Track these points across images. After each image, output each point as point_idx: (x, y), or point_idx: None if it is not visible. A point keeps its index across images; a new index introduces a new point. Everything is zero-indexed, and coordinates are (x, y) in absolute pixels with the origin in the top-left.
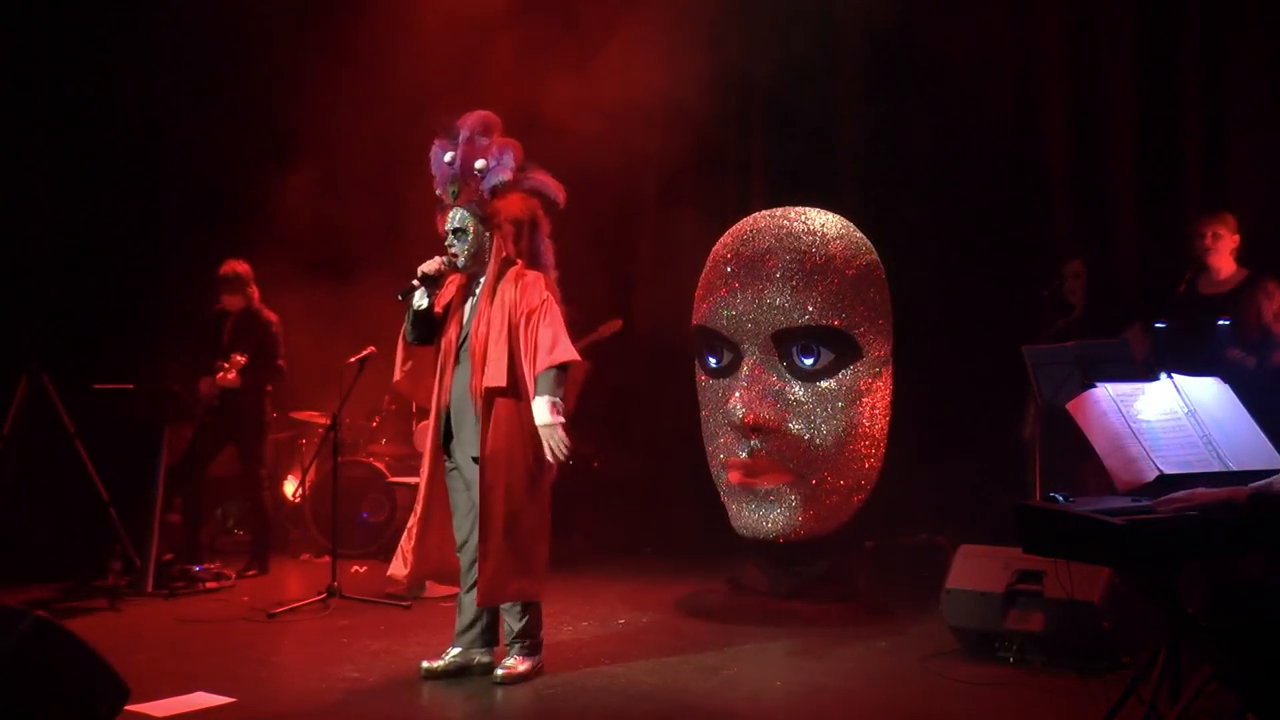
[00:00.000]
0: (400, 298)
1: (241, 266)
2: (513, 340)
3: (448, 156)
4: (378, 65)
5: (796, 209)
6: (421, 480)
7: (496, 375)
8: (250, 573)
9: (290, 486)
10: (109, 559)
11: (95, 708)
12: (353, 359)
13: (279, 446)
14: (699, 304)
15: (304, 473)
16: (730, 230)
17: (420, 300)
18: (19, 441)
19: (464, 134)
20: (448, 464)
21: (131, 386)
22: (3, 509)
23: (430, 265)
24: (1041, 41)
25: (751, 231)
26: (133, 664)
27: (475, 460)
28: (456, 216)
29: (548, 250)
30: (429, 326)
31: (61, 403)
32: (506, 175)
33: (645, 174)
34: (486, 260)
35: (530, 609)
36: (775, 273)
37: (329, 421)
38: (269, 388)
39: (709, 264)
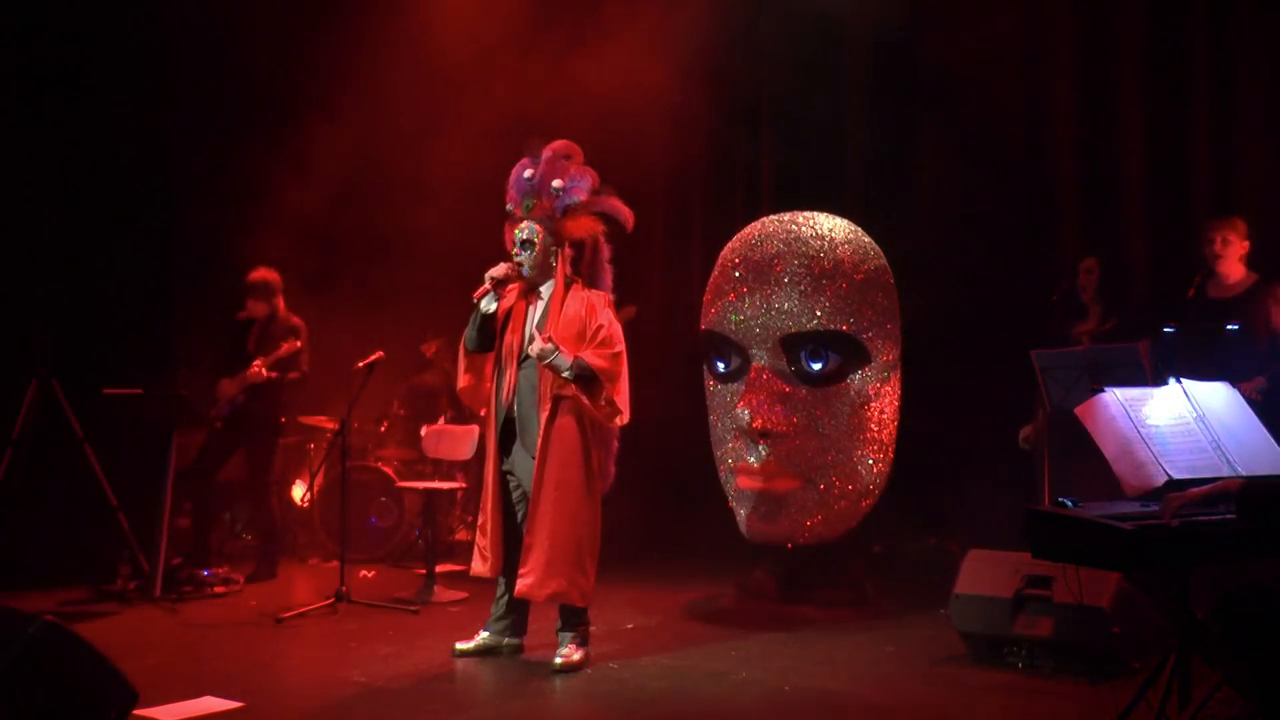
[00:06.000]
0: (475, 302)
1: (271, 274)
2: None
3: (527, 173)
4: (391, 75)
5: (805, 214)
6: (487, 480)
7: (565, 382)
8: (258, 578)
9: (298, 491)
10: (118, 563)
11: (104, 712)
12: (361, 364)
13: (287, 451)
14: (707, 309)
15: (312, 477)
16: (738, 235)
17: (488, 305)
18: (28, 446)
19: (546, 154)
20: (503, 465)
21: (140, 391)
22: (12, 513)
23: (498, 271)
24: (1050, 46)
25: (760, 236)
26: (141, 668)
27: (533, 457)
28: (527, 229)
29: (606, 273)
30: (490, 333)
31: (71, 407)
32: (581, 197)
33: (653, 179)
34: (550, 273)
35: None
36: (783, 277)
37: (337, 426)
38: (284, 397)
39: (717, 269)
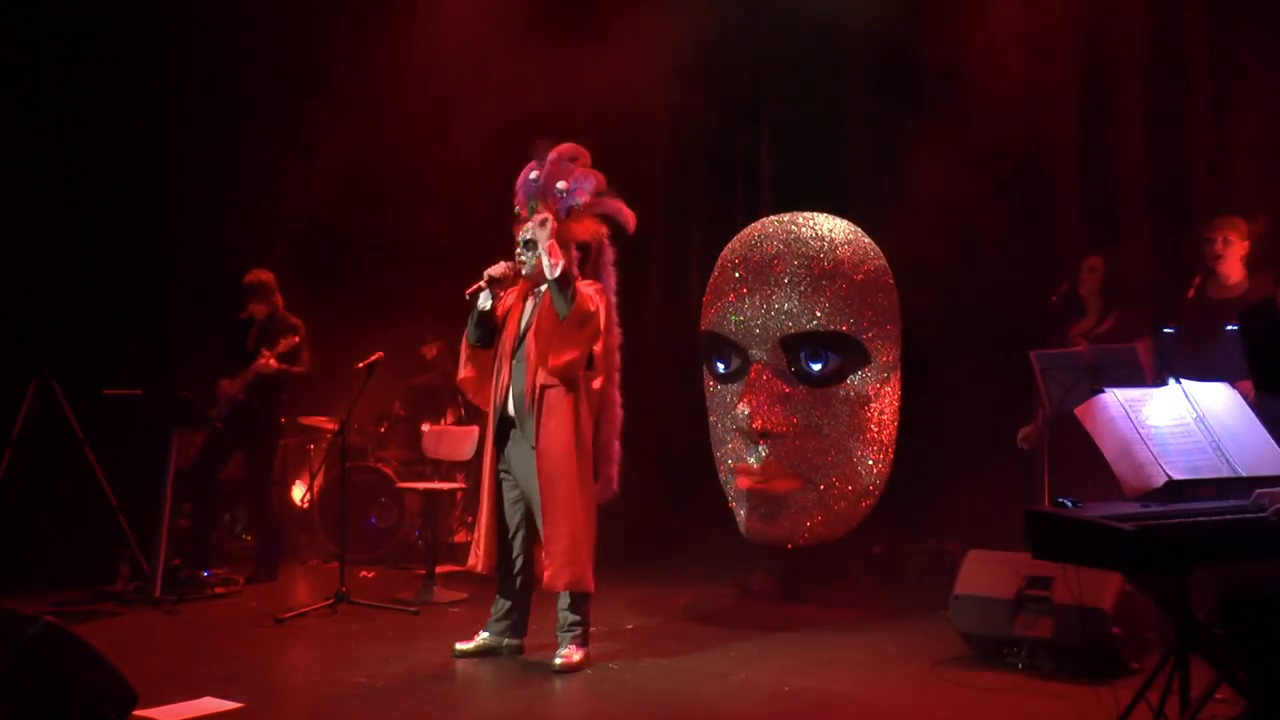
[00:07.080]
0: (468, 297)
1: (266, 275)
2: None
3: (533, 175)
4: (390, 77)
5: (804, 214)
6: (485, 475)
7: (551, 374)
8: (258, 578)
9: (298, 492)
10: (118, 564)
11: (103, 712)
12: (361, 364)
13: (287, 451)
14: (707, 309)
15: (312, 478)
16: (738, 235)
17: (484, 302)
18: (28, 446)
19: (551, 157)
20: (500, 464)
21: (140, 391)
22: (12, 514)
23: (497, 269)
24: (1050, 46)
25: (760, 237)
26: (141, 669)
27: (533, 449)
28: (530, 230)
29: (609, 276)
30: (490, 329)
31: (71, 408)
32: (584, 199)
33: (653, 179)
34: None
35: (582, 601)
36: (783, 278)
37: (337, 427)
38: (284, 397)
39: (717, 269)
